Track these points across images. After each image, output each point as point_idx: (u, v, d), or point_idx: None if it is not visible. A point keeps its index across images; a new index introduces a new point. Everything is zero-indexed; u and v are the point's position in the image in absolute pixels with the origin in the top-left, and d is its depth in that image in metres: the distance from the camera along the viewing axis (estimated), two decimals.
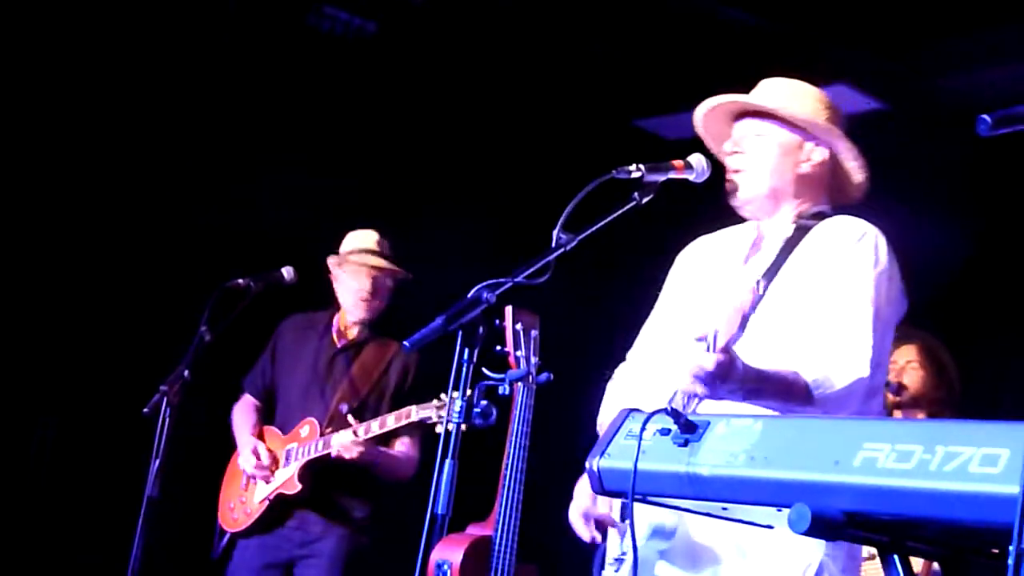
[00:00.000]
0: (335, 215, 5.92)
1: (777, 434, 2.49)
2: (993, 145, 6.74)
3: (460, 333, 3.19)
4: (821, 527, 2.27)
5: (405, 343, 3.25)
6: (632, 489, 2.60)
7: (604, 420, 3.76)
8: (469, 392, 3.18)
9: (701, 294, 3.67)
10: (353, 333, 5.80)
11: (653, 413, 2.68)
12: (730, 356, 3.16)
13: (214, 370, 5.70)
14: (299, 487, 5.50)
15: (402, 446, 5.58)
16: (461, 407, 3.17)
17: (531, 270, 3.30)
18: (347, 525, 5.53)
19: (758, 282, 3.37)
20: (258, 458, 5.58)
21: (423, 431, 5.48)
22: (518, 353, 4.49)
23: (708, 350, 3.14)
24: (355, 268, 5.74)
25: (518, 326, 4.48)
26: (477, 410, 3.18)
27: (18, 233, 6.44)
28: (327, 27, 6.88)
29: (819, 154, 3.67)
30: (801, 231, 3.60)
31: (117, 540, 5.19)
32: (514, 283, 3.28)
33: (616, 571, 3.49)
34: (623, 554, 3.46)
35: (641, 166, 3.50)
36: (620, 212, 3.47)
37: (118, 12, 6.38)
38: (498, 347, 4.45)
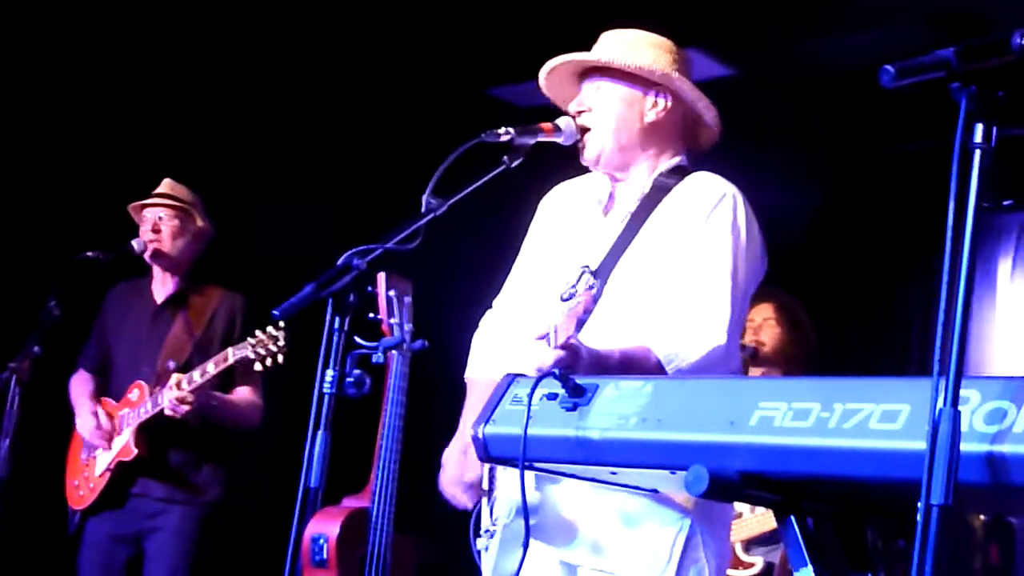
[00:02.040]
0: (186, 180, 5.77)
1: (669, 396, 2.46)
2: (843, 108, 6.83)
3: (331, 300, 3.11)
4: (718, 489, 2.25)
5: (274, 311, 3.15)
6: (523, 454, 2.56)
7: (473, 371, 3.72)
8: (340, 361, 3.12)
9: (559, 246, 3.64)
10: (171, 287, 5.67)
11: (540, 377, 2.64)
12: (572, 348, 3.07)
13: (65, 345, 5.58)
14: (135, 451, 5.35)
15: (242, 392, 5.49)
16: (333, 376, 3.09)
17: (402, 236, 3.24)
18: (192, 491, 5.41)
19: (592, 285, 3.34)
20: (96, 419, 5.44)
21: (262, 376, 5.40)
22: (392, 320, 4.42)
23: (549, 346, 3.09)
24: (142, 216, 5.65)
25: (391, 293, 4.41)
26: (350, 379, 3.10)
27: None
28: None
29: (663, 101, 3.62)
30: (659, 190, 3.56)
31: None
32: (385, 249, 3.22)
33: (488, 540, 3.46)
34: (493, 524, 3.43)
35: (510, 129, 3.47)
36: (490, 176, 3.44)
37: None
38: (371, 314, 4.38)
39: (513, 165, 3.48)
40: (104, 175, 6.52)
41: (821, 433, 2.20)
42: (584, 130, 3.61)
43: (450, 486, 3.55)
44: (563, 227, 3.71)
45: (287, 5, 6.72)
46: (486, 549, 3.44)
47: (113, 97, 6.71)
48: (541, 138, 3.56)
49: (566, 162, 3.73)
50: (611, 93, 3.62)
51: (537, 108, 3.93)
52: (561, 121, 3.61)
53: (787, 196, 6.85)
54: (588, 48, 3.75)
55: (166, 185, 5.71)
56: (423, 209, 3.29)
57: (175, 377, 5.23)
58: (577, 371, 3.08)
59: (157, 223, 5.58)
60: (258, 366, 5.13)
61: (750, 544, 5.47)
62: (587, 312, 3.32)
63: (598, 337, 3.27)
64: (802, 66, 6.98)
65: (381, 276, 4.42)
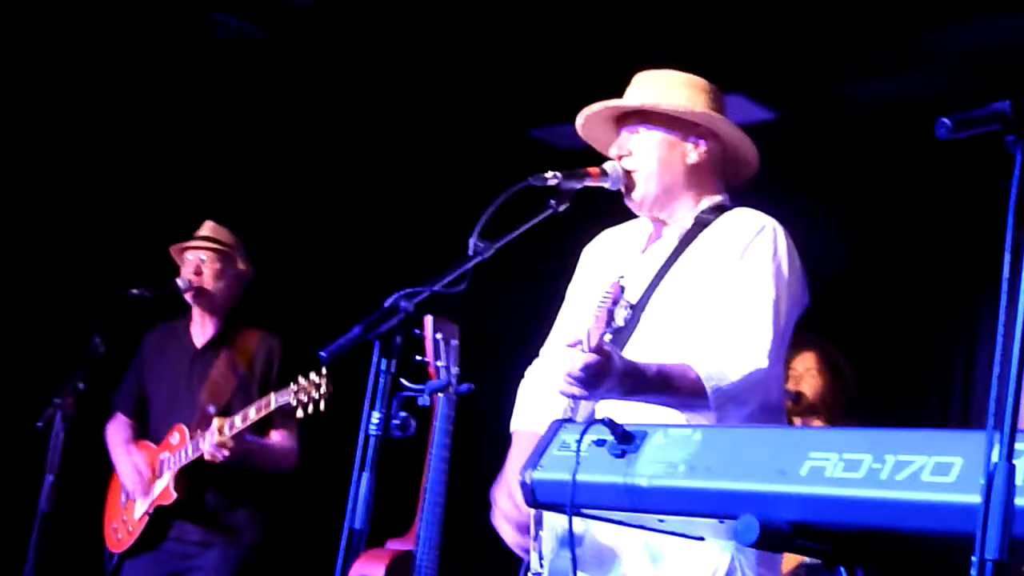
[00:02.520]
0: (229, 223, 5.81)
1: (718, 444, 2.45)
2: (883, 151, 6.82)
3: (377, 343, 3.11)
4: (768, 538, 2.24)
5: (321, 353, 3.17)
6: (571, 501, 2.55)
7: (518, 422, 3.73)
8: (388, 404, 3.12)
9: (604, 287, 3.65)
10: (210, 331, 5.70)
11: (589, 424, 2.64)
12: (604, 355, 3.08)
13: (110, 381, 5.61)
14: (175, 496, 5.38)
15: (278, 436, 5.50)
16: (379, 418, 3.10)
17: (448, 279, 3.24)
18: (229, 533, 5.43)
19: (620, 277, 3.31)
20: (139, 473, 5.46)
21: (298, 421, 5.41)
22: (438, 363, 4.42)
23: (582, 352, 3.08)
24: (184, 257, 5.69)
25: (438, 336, 4.41)
26: (396, 422, 3.10)
27: None
28: (220, 34, 6.78)
29: (703, 142, 3.64)
30: (700, 225, 3.57)
31: (10, 556, 5.07)
32: (432, 292, 3.23)
33: None
34: (541, 566, 3.43)
35: (557, 174, 3.48)
36: (537, 220, 3.44)
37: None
38: (417, 357, 4.38)
39: (560, 209, 3.47)
40: (147, 213, 6.57)
41: (873, 484, 2.19)
42: (627, 173, 3.63)
43: (500, 523, 3.55)
44: (606, 273, 3.71)
45: (329, 47, 6.77)
46: None
47: (157, 137, 6.79)
48: (588, 183, 3.56)
49: (616, 207, 3.74)
50: (652, 137, 3.62)
51: (579, 150, 3.94)
52: (608, 166, 3.62)
53: (827, 241, 6.85)
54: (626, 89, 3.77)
55: (208, 228, 5.74)
56: (470, 252, 3.29)
57: (217, 422, 5.25)
58: (608, 378, 3.10)
59: (199, 265, 5.61)
60: (300, 412, 5.14)
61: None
62: (611, 317, 3.30)
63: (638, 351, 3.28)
64: (842, 110, 6.99)
65: (428, 319, 4.42)
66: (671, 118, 3.61)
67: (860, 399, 5.94)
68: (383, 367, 3.11)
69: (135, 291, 5.40)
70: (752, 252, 3.45)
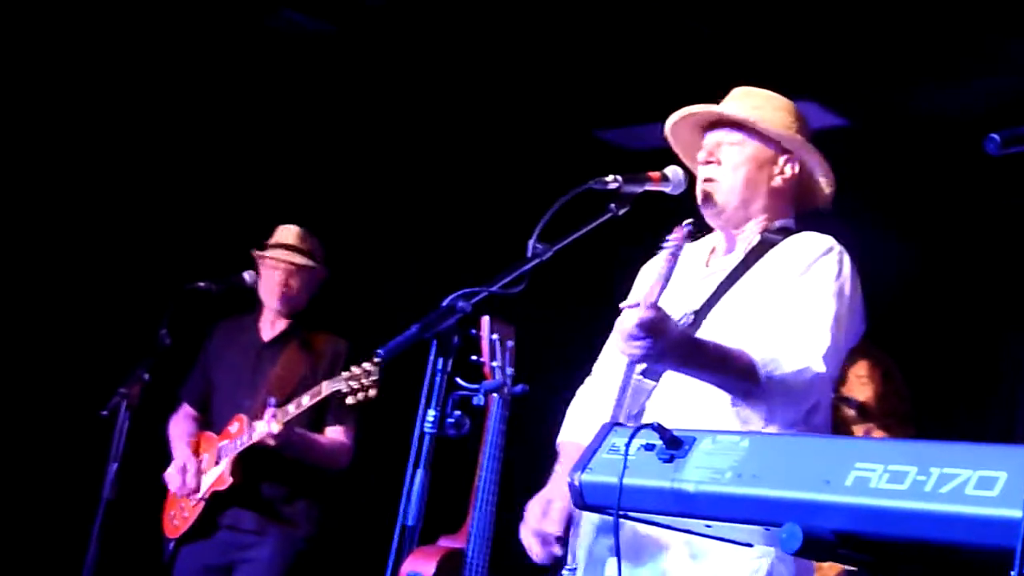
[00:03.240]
0: (295, 217, 5.86)
1: (765, 451, 2.46)
2: (953, 158, 6.78)
3: (434, 342, 3.14)
4: (811, 547, 2.25)
5: (379, 351, 3.20)
6: (618, 504, 2.57)
7: (564, 438, 3.76)
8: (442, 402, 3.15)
9: (669, 302, 3.64)
10: (279, 327, 5.76)
11: (638, 428, 2.66)
12: (659, 313, 3.15)
13: (173, 373, 5.68)
14: (230, 481, 5.47)
15: (333, 433, 5.57)
16: (434, 417, 3.13)
17: (507, 280, 3.27)
18: (284, 524, 5.49)
19: (676, 246, 3.37)
20: (183, 477, 5.54)
21: (356, 417, 5.47)
22: (493, 363, 4.45)
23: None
24: (271, 263, 5.71)
25: (494, 336, 4.44)
26: (450, 420, 3.14)
27: None
28: (284, 28, 6.84)
29: (792, 168, 3.68)
30: (766, 244, 3.60)
31: (74, 542, 5.14)
32: (490, 293, 3.26)
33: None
34: (574, 565, 3.46)
35: (618, 177, 3.50)
36: (596, 223, 3.46)
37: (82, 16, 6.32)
38: (473, 357, 4.41)
39: (620, 213, 3.51)
40: (214, 207, 6.64)
41: (917, 497, 2.19)
42: (708, 181, 3.64)
43: (528, 537, 3.60)
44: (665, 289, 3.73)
45: (397, 43, 6.80)
46: None
47: (224, 132, 6.84)
48: (648, 187, 3.58)
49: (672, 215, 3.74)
50: (743, 151, 3.65)
51: (645, 150, 3.94)
52: (669, 170, 3.63)
53: (893, 248, 6.81)
54: (701, 97, 3.78)
55: (296, 237, 5.78)
56: (528, 254, 3.32)
57: (270, 410, 5.31)
58: (663, 338, 3.15)
59: (288, 278, 5.68)
60: (350, 399, 5.19)
61: None
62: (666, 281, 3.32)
63: None
64: (912, 117, 6.94)
65: (485, 319, 4.45)
66: (765, 137, 3.65)
67: (918, 410, 5.90)
68: (439, 366, 3.14)
69: (201, 284, 5.48)
70: (817, 270, 3.48)
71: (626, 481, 2.59)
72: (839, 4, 6.06)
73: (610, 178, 3.50)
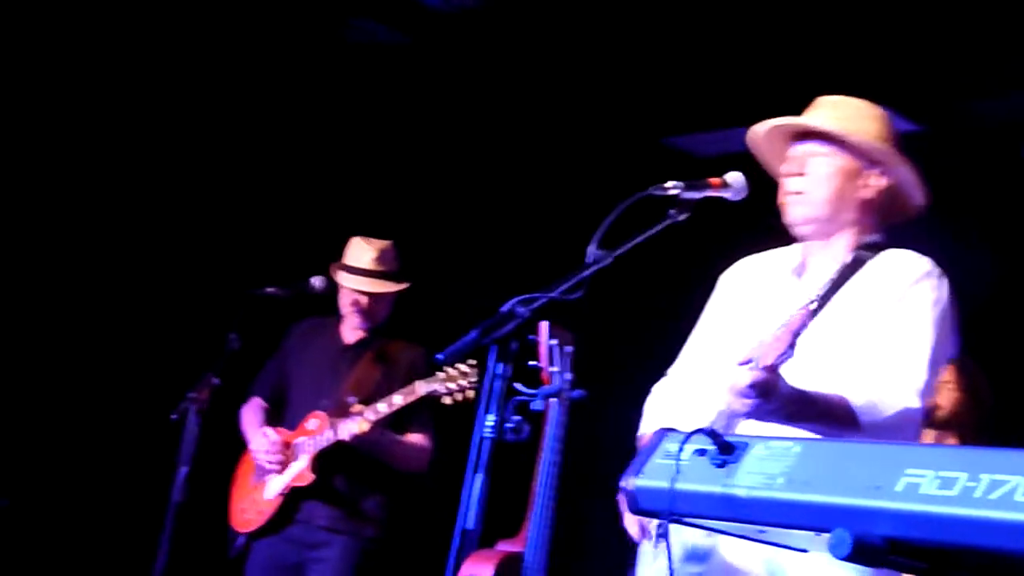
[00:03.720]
0: (366, 226, 5.91)
1: (816, 457, 2.46)
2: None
3: (494, 347, 3.16)
4: (861, 553, 2.24)
5: (438, 356, 3.23)
6: (669, 509, 2.58)
7: (646, 428, 3.75)
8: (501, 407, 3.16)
9: (747, 315, 3.64)
10: (360, 333, 5.82)
11: (691, 433, 2.66)
12: (773, 375, 3.13)
13: (242, 377, 5.74)
14: (312, 477, 5.50)
15: (414, 437, 5.60)
16: (494, 421, 3.14)
17: (566, 286, 3.27)
18: (356, 522, 5.53)
19: (812, 301, 3.29)
20: (270, 441, 5.58)
21: (434, 422, 5.49)
22: (552, 369, 4.46)
23: (753, 370, 3.11)
24: (347, 290, 5.78)
25: (553, 342, 4.45)
26: (509, 425, 3.14)
27: (55, 239, 6.45)
28: (360, 38, 6.89)
29: (882, 180, 3.63)
30: (858, 262, 3.56)
31: (144, 543, 5.20)
32: (549, 299, 3.26)
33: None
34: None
35: (678, 183, 3.48)
36: (656, 230, 3.45)
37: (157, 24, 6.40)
38: (532, 362, 4.42)
39: (680, 219, 3.48)
40: (283, 213, 6.69)
41: (966, 503, 2.18)
42: (794, 193, 3.62)
43: (629, 521, 3.59)
44: (750, 298, 3.71)
45: (470, 60, 6.84)
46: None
47: (296, 139, 6.90)
48: (709, 193, 3.54)
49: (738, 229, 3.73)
50: (834, 163, 3.61)
51: (713, 157, 3.93)
52: (730, 176, 3.59)
53: (971, 255, 6.74)
54: (772, 104, 3.76)
55: (371, 260, 5.77)
56: (588, 260, 3.32)
57: (359, 407, 5.35)
58: (773, 400, 3.14)
59: (364, 301, 5.73)
60: (447, 400, 5.21)
61: None
62: (795, 339, 3.30)
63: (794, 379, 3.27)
64: (986, 123, 6.89)
65: (543, 325, 4.46)
66: (854, 148, 3.60)
67: (1003, 419, 5.85)
68: (498, 371, 3.15)
69: (270, 290, 5.53)
70: (915, 295, 3.45)
71: (678, 486, 2.59)
72: (912, 8, 6.02)
73: (670, 184, 3.47)
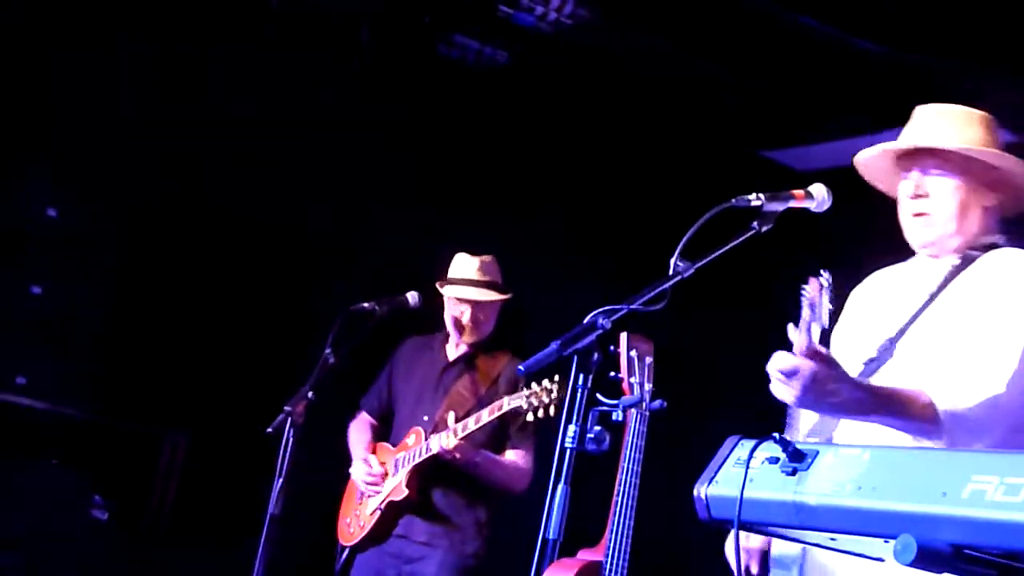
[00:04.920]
0: (459, 241, 5.96)
1: (885, 464, 2.46)
2: None
3: (575, 358, 3.19)
4: (928, 559, 2.24)
5: (520, 367, 3.27)
6: (738, 517, 2.59)
7: None
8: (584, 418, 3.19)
9: (865, 330, 3.63)
10: (463, 348, 5.88)
11: (760, 440, 2.67)
12: (819, 363, 3.12)
13: (338, 392, 5.80)
14: (406, 492, 5.58)
15: (513, 456, 5.64)
16: (575, 432, 3.17)
17: (647, 297, 3.29)
18: (452, 537, 5.58)
19: (820, 272, 3.30)
20: (369, 467, 5.68)
21: (535, 441, 5.53)
22: (632, 380, 4.49)
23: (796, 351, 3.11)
24: (453, 299, 5.84)
25: (632, 353, 4.48)
26: (590, 436, 3.17)
27: (150, 253, 6.59)
28: (457, 56, 6.96)
29: (999, 186, 3.60)
30: (967, 261, 3.55)
31: (240, 558, 5.26)
32: (630, 310, 3.28)
33: None
34: None
35: (760, 195, 3.49)
36: (738, 241, 3.46)
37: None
38: (612, 373, 4.45)
39: (763, 231, 3.49)
40: (382, 227, 6.76)
41: None
42: (920, 215, 3.59)
43: (729, 552, 3.57)
44: (870, 312, 3.71)
45: (554, 66, 6.87)
46: None
47: (395, 156, 6.98)
48: (792, 204, 3.56)
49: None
50: (951, 181, 3.57)
51: (812, 171, 3.91)
52: (813, 188, 3.60)
53: None
54: (869, 116, 3.74)
55: (476, 270, 5.87)
56: (670, 271, 3.34)
57: (452, 422, 5.42)
58: (829, 383, 3.13)
59: (471, 311, 5.80)
60: (530, 416, 5.25)
61: None
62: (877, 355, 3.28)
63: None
64: None
65: (623, 336, 4.48)
66: (967, 158, 3.57)
67: None
68: (580, 382, 3.19)
69: (366, 305, 5.56)
70: (1012, 291, 3.41)
71: (748, 494, 2.61)
72: (1001, 14, 5.96)
73: (752, 196, 3.49)
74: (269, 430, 5.12)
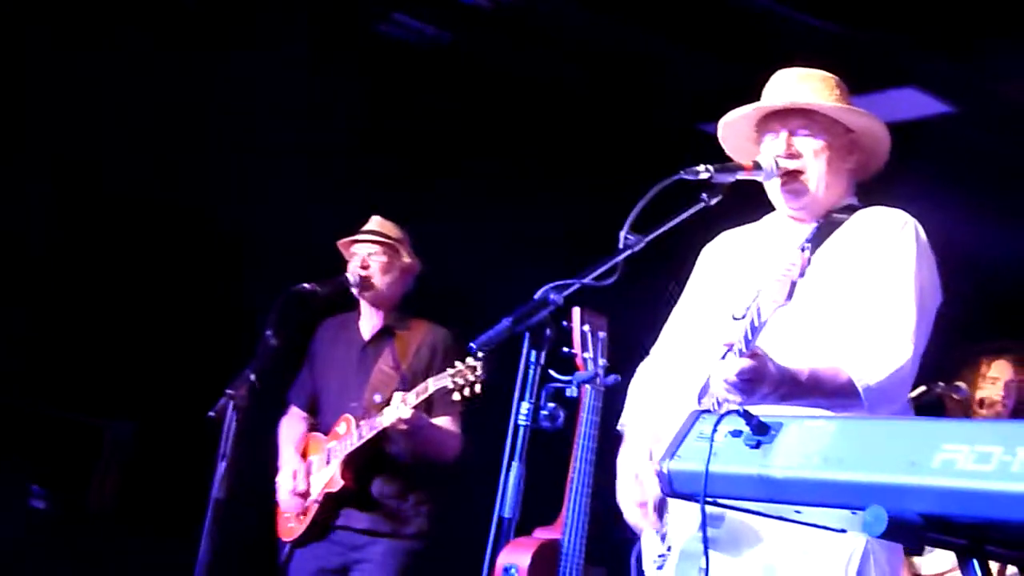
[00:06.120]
0: (402, 219, 5.91)
1: (852, 435, 2.45)
2: None
3: (527, 335, 3.15)
4: (898, 530, 2.23)
5: (471, 344, 3.23)
6: (704, 491, 2.57)
7: (627, 419, 3.79)
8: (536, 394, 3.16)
9: (728, 288, 3.66)
10: (378, 324, 5.81)
11: (725, 414, 2.65)
12: (760, 359, 3.16)
13: (281, 374, 5.74)
14: (342, 483, 5.50)
15: (442, 421, 5.57)
16: (528, 409, 3.13)
17: (599, 272, 3.28)
18: (396, 523, 5.53)
19: (804, 248, 3.28)
20: (294, 481, 5.62)
21: (461, 409, 5.48)
22: (586, 355, 4.46)
23: (737, 355, 3.14)
24: (353, 250, 5.79)
25: (585, 328, 4.45)
26: (544, 413, 3.14)
27: (89, 240, 6.49)
28: (398, 35, 6.90)
29: (859, 141, 3.68)
30: (833, 224, 3.60)
31: (184, 541, 5.21)
32: (582, 284, 3.26)
33: (660, 568, 3.49)
34: (668, 550, 3.46)
35: (709, 167, 3.50)
36: (688, 213, 3.46)
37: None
38: (565, 349, 4.42)
39: (712, 203, 3.49)
40: (317, 210, 6.69)
41: (1002, 477, 2.16)
42: (793, 174, 3.62)
43: (634, 507, 3.59)
44: (728, 271, 3.75)
45: (497, 44, 6.84)
46: (661, 568, 3.47)
47: (334, 134, 6.92)
48: (741, 176, 3.58)
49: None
50: (819, 140, 3.63)
51: None
52: (761, 159, 3.62)
53: (1006, 238, 6.70)
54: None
55: (375, 223, 5.85)
56: (620, 245, 3.32)
57: (398, 395, 5.35)
58: (764, 383, 3.17)
59: (366, 259, 5.72)
60: (456, 396, 5.21)
61: None
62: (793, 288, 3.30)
63: (776, 354, 3.30)
64: (1016, 107, 6.84)
65: (576, 311, 4.45)
66: (831, 120, 3.63)
67: None
68: (532, 358, 3.15)
69: (307, 286, 5.50)
70: (896, 248, 3.48)
71: (713, 468, 2.59)
72: None
73: (701, 168, 3.49)
74: (211, 414, 5.06)
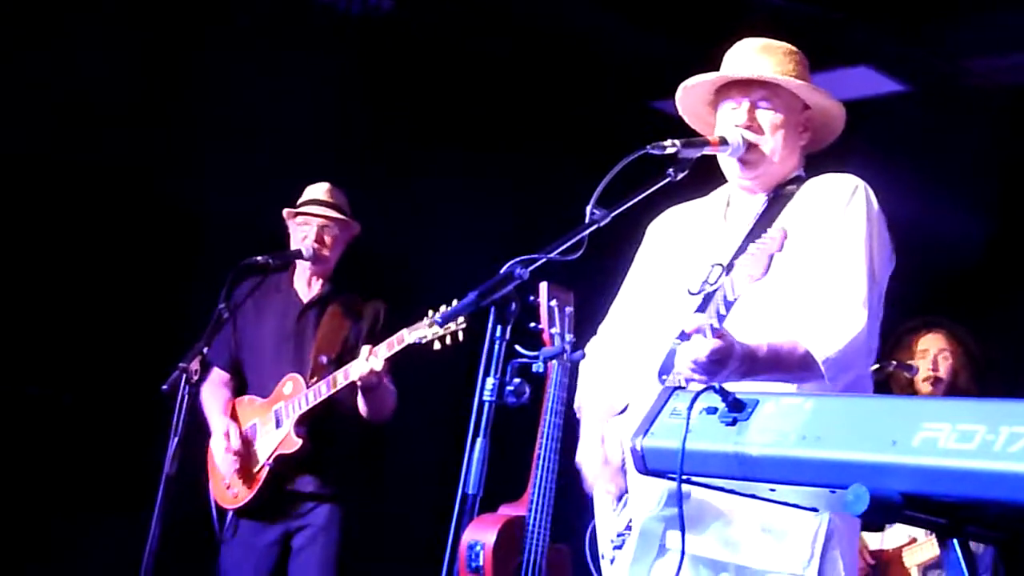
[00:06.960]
0: (352, 194, 5.86)
1: (829, 413, 2.42)
2: (1016, 126, 6.70)
3: (493, 309, 3.12)
4: (879, 509, 2.21)
5: (437, 320, 3.19)
6: (680, 469, 2.54)
7: (581, 398, 3.78)
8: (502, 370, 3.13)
9: (680, 263, 3.66)
10: (317, 288, 5.76)
11: (700, 392, 2.62)
12: (727, 340, 3.15)
13: None
14: (299, 443, 5.45)
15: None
16: (494, 385, 3.10)
17: (565, 246, 3.25)
18: (340, 486, 5.50)
19: (783, 229, 3.30)
20: (228, 441, 5.54)
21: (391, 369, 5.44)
22: (552, 330, 4.44)
23: (710, 333, 3.12)
24: (303, 219, 5.71)
25: (552, 303, 4.43)
26: (510, 388, 3.11)
27: (40, 212, 6.40)
28: (342, 6, 6.84)
29: (812, 120, 3.69)
30: (783, 196, 3.61)
31: (136, 517, 5.15)
32: (548, 259, 3.23)
33: (619, 548, 3.48)
34: (627, 528, 3.45)
35: (676, 142, 3.48)
36: (655, 188, 3.44)
37: None
38: (532, 324, 4.39)
39: (678, 178, 3.48)
40: (263, 183, 6.63)
41: (985, 456, 2.15)
42: (752, 146, 3.61)
43: (599, 467, 3.59)
44: (679, 246, 3.74)
45: (443, 13, 6.80)
46: (619, 548, 3.46)
47: (281, 106, 6.86)
48: (707, 151, 3.58)
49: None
50: (778, 113, 3.62)
51: None
52: (728, 134, 3.61)
53: (958, 217, 6.74)
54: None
55: (326, 192, 5.78)
56: (586, 220, 3.30)
57: (366, 349, 5.29)
58: (730, 363, 3.15)
59: (321, 232, 5.66)
60: (437, 344, 5.13)
61: (927, 569, 5.38)
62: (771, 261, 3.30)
63: (734, 328, 3.30)
64: (974, 84, 6.87)
65: (543, 286, 4.43)
66: (792, 95, 3.63)
67: (989, 378, 5.89)
68: (498, 334, 3.12)
69: (259, 258, 5.45)
70: (847, 212, 3.48)
71: (689, 446, 2.56)
72: None
73: (668, 142, 3.48)
74: (164, 387, 5.00)
